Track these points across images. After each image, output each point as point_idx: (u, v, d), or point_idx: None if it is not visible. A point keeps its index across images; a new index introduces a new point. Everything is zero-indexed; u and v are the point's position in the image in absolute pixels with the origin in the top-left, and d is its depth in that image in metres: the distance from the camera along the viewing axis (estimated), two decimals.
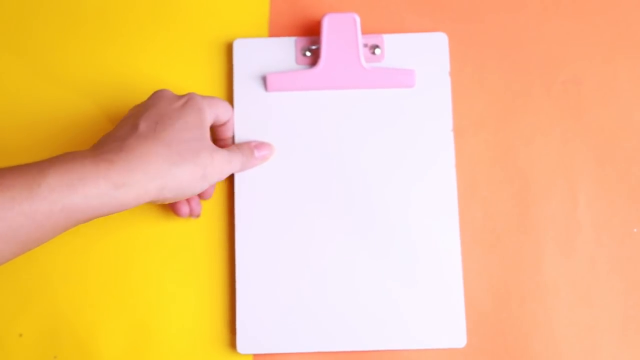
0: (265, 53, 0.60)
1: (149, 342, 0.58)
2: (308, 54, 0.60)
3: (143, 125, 0.50)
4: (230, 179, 0.59)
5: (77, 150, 0.48)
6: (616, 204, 0.59)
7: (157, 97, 0.53)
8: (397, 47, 0.60)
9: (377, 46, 0.60)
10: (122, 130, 0.50)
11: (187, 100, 0.53)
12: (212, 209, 0.59)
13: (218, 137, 0.58)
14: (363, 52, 0.60)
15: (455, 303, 0.57)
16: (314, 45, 0.60)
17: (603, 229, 0.59)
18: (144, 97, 0.59)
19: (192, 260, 0.59)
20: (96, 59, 0.61)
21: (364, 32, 0.60)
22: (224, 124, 0.57)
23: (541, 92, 0.60)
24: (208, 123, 0.53)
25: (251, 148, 0.57)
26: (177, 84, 0.60)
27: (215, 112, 0.55)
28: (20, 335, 0.58)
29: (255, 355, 0.58)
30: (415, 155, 0.59)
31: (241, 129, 0.59)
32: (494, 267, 0.58)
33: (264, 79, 0.60)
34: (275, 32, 0.61)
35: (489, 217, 0.59)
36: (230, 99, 0.60)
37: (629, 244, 0.58)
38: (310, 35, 0.61)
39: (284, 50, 0.60)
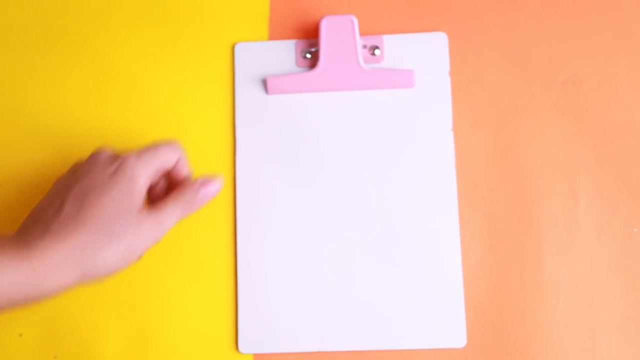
0: (266, 56, 0.61)
1: (149, 341, 0.58)
2: (308, 56, 0.60)
3: (69, 206, 0.49)
4: (232, 181, 0.60)
5: (1, 234, 0.48)
6: (617, 203, 0.59)
7: (90, 163, 0.52)
8: (397, 47, 0.60)
9: (376, 47, 0.60)
10: (49, 209, 0.50)
11: (118, 167, 0.51)
12: (215, 209, 0.60)
13: (173, 180, 0.55)
14: (362, 53, 0.60)
15: (455, 303, 0.57)
16: (313, 47, 0.60)
17: (603, 228, 0.58)
18: (145, 102, 0.61)
19: (194, 260, 0.59)
20: (96, 62, 0.62)
21: (363, 34, 0.60)
22: (173, 167, 0.54)
23: (541, 92, 0.60)
24: (141, 187, 0.51)
25: (195, 190, 0.53)
26: (178, 88, 0.61)
27: (154, 167, 0.52)
28: (20, 335, 0.58)
29: (255, 354, 0.58)
30: (415, 155, 0.59)
31: (242, 133, 0.60)
32: (494, 267, 0.58)
33: (264, 82, 0.60)
34: (275, 35, 0.61)
35: (489, 217, 0.59)
36: (231, 102, 0.61)
37: (630, 244, 0.58)
38: (310, 37, 0.61)
39: (285, 53, 0.61)
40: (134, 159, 0.51)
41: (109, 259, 0.49)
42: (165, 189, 0.55)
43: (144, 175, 0.51)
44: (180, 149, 0.54)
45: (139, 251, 0.50)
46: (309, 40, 0.61)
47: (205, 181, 0.54)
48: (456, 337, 0.57)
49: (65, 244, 0.47)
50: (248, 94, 0.60)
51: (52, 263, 0.47)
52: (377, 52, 0.60)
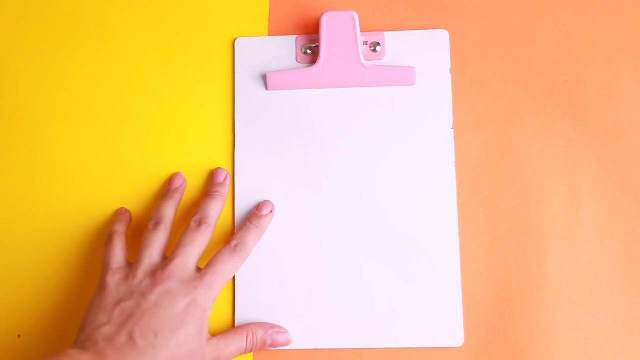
0: (266, 52, 0.61)
1: None
2: (309, 52, 0.60)
3: (140, 340, 0.50)
4: (231, 176, 0.59)
5: (75, 350, 0.49)
6: (619, 204, 0.58)
7: (160, 293, 0.52)
8: (398, 44, 0.60)
9: (377, 44, 0.60)
10: (118, 337, 0.50)
11: (191, 302, 0.52)
12: None
13: None
14: (363, 49, 0.60)
15: (454, 302, 0.57)
16: (314, 43, 0.60)
17: (605, 229, 0.58)
18: (145, 97, 0.61)
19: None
20: (96, 59, 0.62)
21: (364, 30, 0.60)
22: None
23: (543, 91, 0.60)
24: (208, 318, 0.53)
25: (261, 337, 0.56)
26: (178, 83, 0.61)
27: (220, 290, 0.54)
28: (19, 336, 0.58)
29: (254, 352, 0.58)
30: (416, 153, 0.59)
31: (242, 128, 0.60)
32: (494, 267, 0.58)
33: (264, 78, 0.60)
34: (275, 30, 0.61)
35: (490, 216, 0.58)
36: (231, 98, 0.60)
37: (632, 244, 0.58)
38: (310, 33, 0.61)
39: (285, 49, 0.61)
40: (205, 290, 0.53)
41: None
42: None
43: (212, 305, 0.53)
44: (242, 258, 0.56)
45: None
46: (310, 36, 0.60)
47: (275, 330, 0.56)
48: (454, 336, 0.57)
49: None
50: (248, 90, 0.60)
51: None
52: (378, 48, 0.60)
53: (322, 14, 0.58)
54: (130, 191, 0.60)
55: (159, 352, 0.50)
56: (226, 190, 0.58)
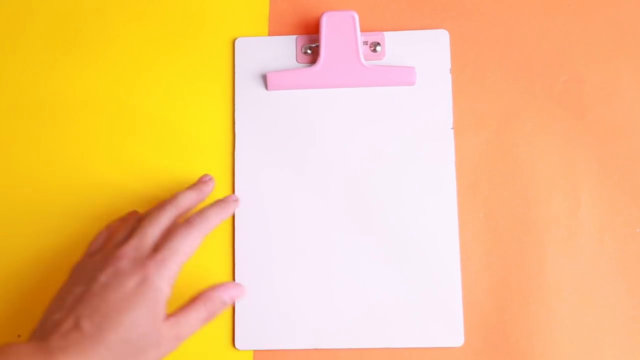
0: (266, 52, 0.61)
1: None
2: (309, 52, 0.60)
3: (87, 324, 0.47)
4: (231, 177, 0.59)
5: (16, 342, 0.47)
6: (619, 204, 0.58)
7: (108, 270, 0.49)
8: (398, 44, 0.60)
9: (377, 44, 0.60)
10: (66, 322, 0.47)
11: (142, 281, 0.49)
12: None
13: None
14: (363, 49, 0.60)
15: (453, 302, 0.57)
16: (314, 43, 0.60)
17: (605, 229, 0.58)
18: (145, 99, 0.61)
19: (192, 257, 0.59)
20: (97, 59, 0.62)
21: (364, 30, 0.60)
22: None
23: (543, 91, 0.60)
24: (166, 297, 0.49)
25: (217, 298, 0.52)
26: (178, 83, 0.61)
27: (176, 270, 0.50)
28: (19, 336, 0.58)
29: (255, 351, 0.58)
30: (416, 154, 0.59)
31: (242, 128, 0.60)
32: (494, 267, 0.58)
33: (264, 78, 0.60)
34: (275, 30, 0.61)
35: (490, 216, 0.58)
36: (231, 98, 0.60)
37: (632, 244, 0.58)
38: (310, 33, 0.61)
39: (285, 49, 0.61)
40: (156, 268, 0.49)
41: None
42: None
43: (168, 284, 0.50)
44: (200, 232, 0.52)
45: None
46: (310, 36, 0.60)
47: (228, 287, 0.53)
48: (454, 336, 0.57)
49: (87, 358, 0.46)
50: (248, 90, 0.60)
51: None
52: (378, 48, 0.60)
53: (322, 14, 0.58)
54: (130, 190, 0.60)
55: (106, 336, 0.47)
56: (207, 188, 0.56)
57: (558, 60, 0.60)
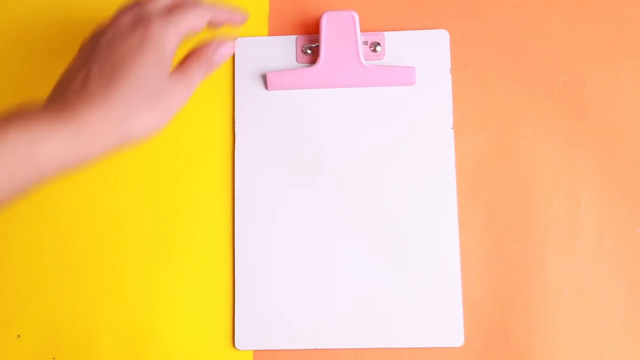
0: (266, 52, 0.61)
1: (148, 339, 0.58)
2: (308, 52, 0.60)
3: (96, 76, 0.48)
4: (231, 177, 0.59)
5: (32, 104, 0.47)
6: (619, 204, 0.58)
7: (114, 30, 0.50)
8: (398, 44, 0.60)
9: (377, 44, 0.60)
10: (75, 82, 0.48)
11: (145, 33, 0.49)
12: (213, 205, 0.59)
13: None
14: (363, 49, 0.60)
15: (454, 302, 0.57)
16: (314, 43, 0.60)
17: (606, 229, 0.58)
18: None
19: (191, 256, 0.59)
20: None
21: (365, 30, 0.60)
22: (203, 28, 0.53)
23: (543, 91, 0.60)
24: (170, 53, 0.49)
25: (213, 52, 0.52)
26: None
27: (182, 31, 0.50)
28: (19, 336, 0.58)
29: (255, 351, 0.58)
30: (415, 154, 0.59)
31: (242, 128, 0.60)
32: (495, 267, 0.58)
33: (264, 78, 0.60)
34: (275, 30, 0.61)
35: (490, 216, 0.58)
36: (231, 98, 0.61)
37: (632, 245, 0.58)
38: (310, 33, 0.61)
39: (285, 49, 0.61)
40: (160, 23, 0.49)
41: (147, 122, 0.48)
42: None
43: (172, 41, 0.50)
44: (210, 10, 0.52)
45: (172, 113, 0.50)
46: (310, 36, 0.60)
47: (221, 42, 0.52)
48: (454, 336, 0.57)
49: (104, 110, 0.47)
50: (248, 90, 0.60)
51: (95, 125, 0.46)
52: (378, 48, 0.60)
53: (322, 14, 0.58)
54: (129, 189, 0.60)
55: (115, 88, 0.47)
56: (236, 17, 0.55)
57: (558, 60, 0.60)
